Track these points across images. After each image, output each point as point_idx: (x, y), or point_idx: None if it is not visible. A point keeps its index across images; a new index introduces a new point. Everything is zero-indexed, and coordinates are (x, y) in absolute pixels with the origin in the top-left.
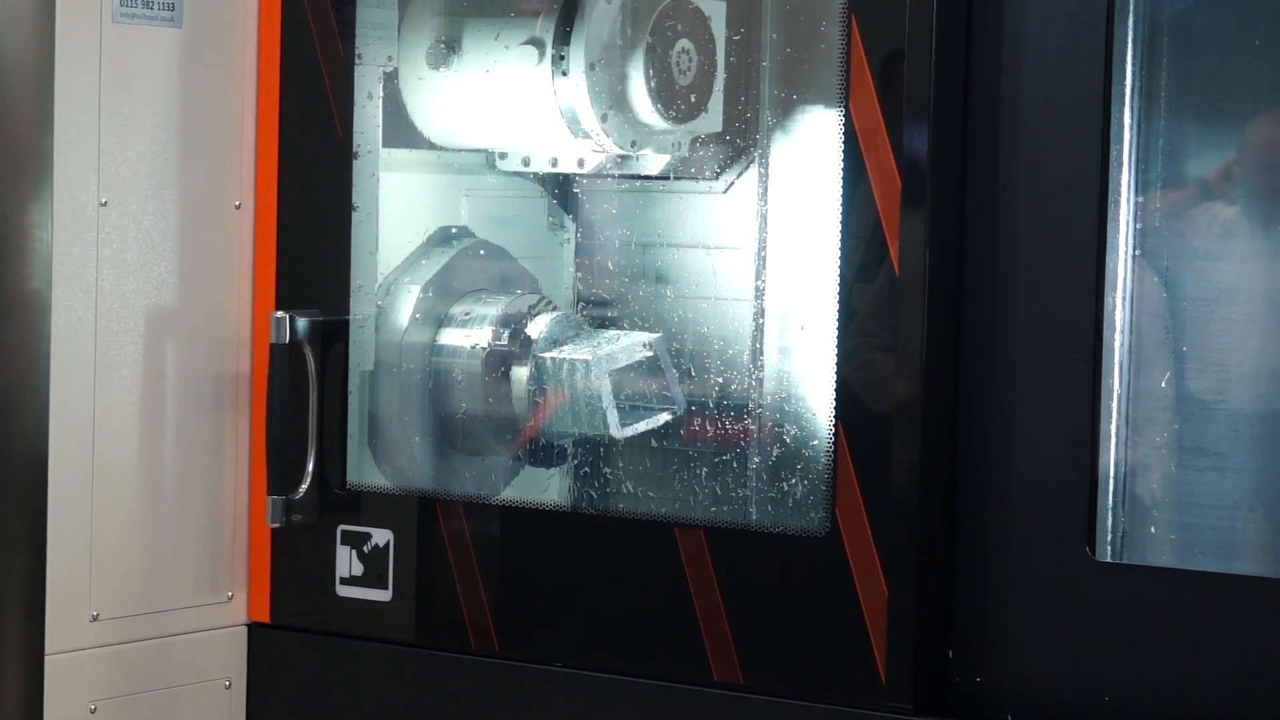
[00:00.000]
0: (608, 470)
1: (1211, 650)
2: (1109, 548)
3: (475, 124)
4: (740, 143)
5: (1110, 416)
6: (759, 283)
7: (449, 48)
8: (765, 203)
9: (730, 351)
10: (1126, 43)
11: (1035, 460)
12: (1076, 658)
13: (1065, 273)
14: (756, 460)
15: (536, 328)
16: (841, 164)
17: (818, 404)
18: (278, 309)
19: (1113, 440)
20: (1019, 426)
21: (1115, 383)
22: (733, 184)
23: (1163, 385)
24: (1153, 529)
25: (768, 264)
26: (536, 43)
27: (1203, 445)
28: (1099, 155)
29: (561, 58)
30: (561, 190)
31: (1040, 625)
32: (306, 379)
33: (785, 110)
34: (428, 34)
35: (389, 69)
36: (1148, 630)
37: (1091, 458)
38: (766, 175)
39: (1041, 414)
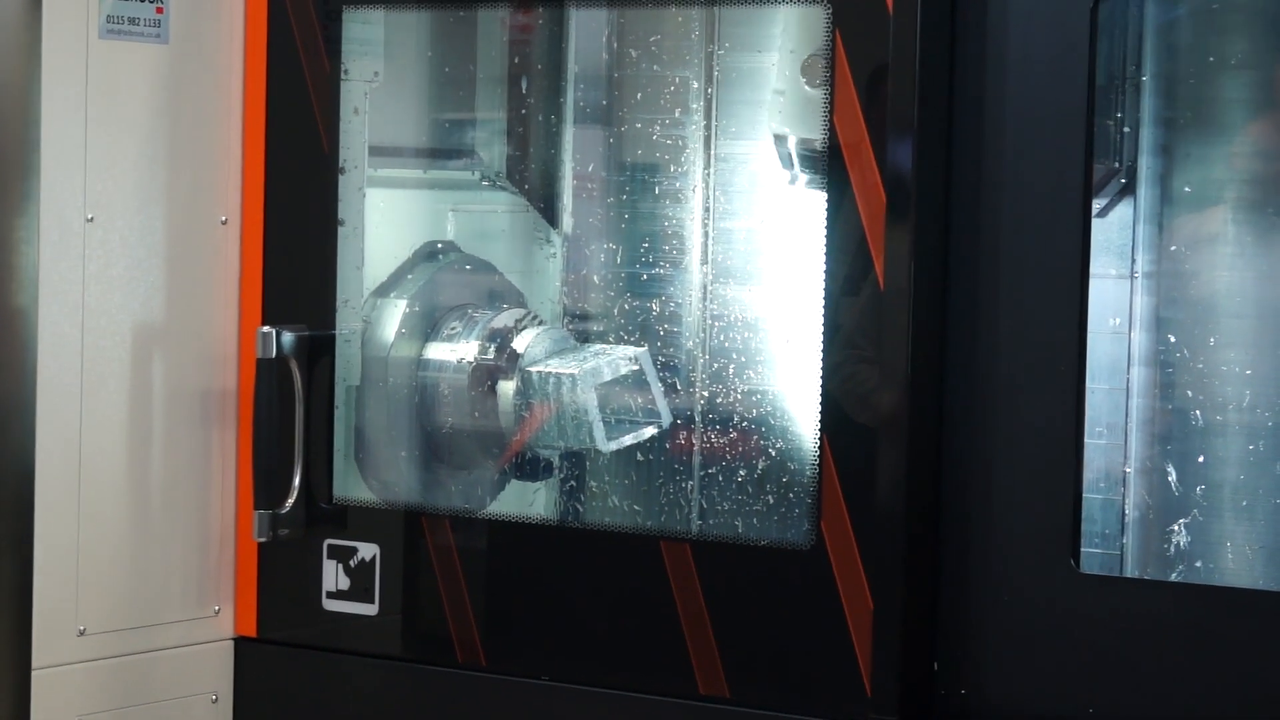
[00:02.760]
0: (594, 484)
1: (1196, 663)
2: None
3: None
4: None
5: None
6: None
7: None
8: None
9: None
10: None
11: (1020, 472)
12: (1061, 670)
13: (1049, 286)
14: (742, 473)
15: (522, 342)
16: (826, 178)
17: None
18: (264, 324)
19: None
20: (1003, 439)
21: None
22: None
23: None
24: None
25: None
26: None
27: None
28: (1083, 169)
29: None
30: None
31: (1025, 637)
32: (293, 394)
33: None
34: None
35: (375, 84)
36: (1132, 643)
37: (1076, 470)
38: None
39: (1026, 427)
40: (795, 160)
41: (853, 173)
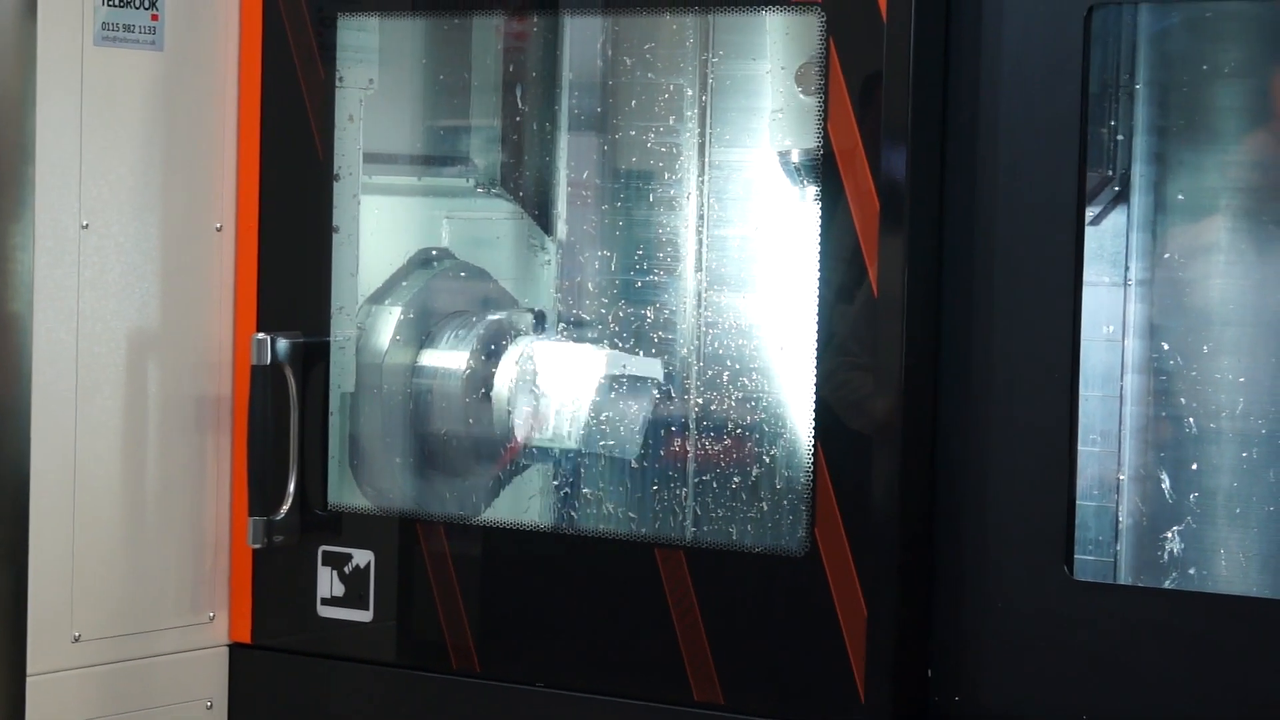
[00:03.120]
0: (588, 491)
1: (1189, 670)
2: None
3: None
4: None
5: None
6: None
7: None
8: None
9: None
10: None
11: (1014, 479)
12: (1055, 677)
13: (1043, 293)
14: (736, 480)
15: (517, 350)
16: (820, 185)
17: (797, 424)
18: (259, 330)
19: None
20: (997, 446)
21: None
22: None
23: None
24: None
25: None
26: None
27: None
28: (1076, 176)
29: None
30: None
31: (1019, 644)
32: (287, 400)
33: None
34: None
35: (370, 91)
36: (1126, 650)
37: (1069, 477)
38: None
39: (1020, 434)
40: (789, 167)
41: (847, 180)
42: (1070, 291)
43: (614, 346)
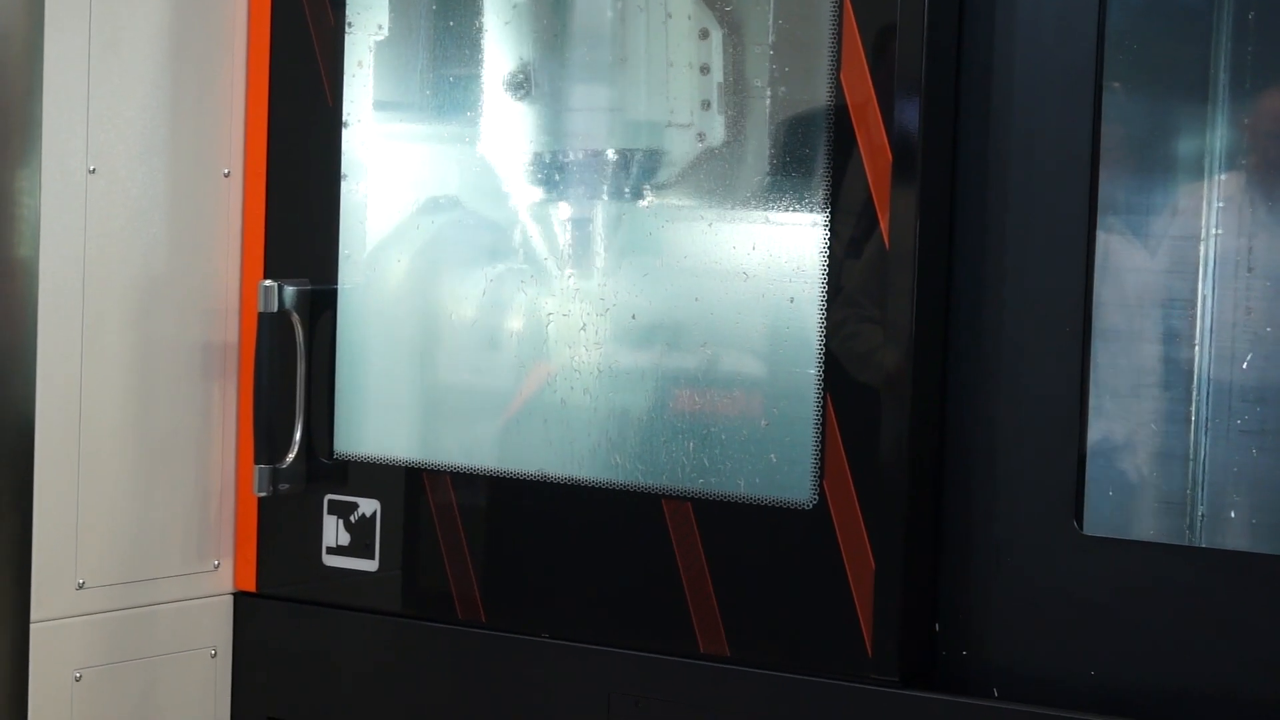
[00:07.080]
0: (596, 440)
1: (1196, 625)
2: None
3: None
4: None
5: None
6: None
7: None
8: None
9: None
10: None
11: (1024, 434)
12: (1062, 632)
13: (1055, 248)
14: (745, 431)
15: (525, 297)
16: (833, 137)
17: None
18: (266, 277)
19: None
20: (1008, 400)
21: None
22: None
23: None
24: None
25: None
26: None
27: None
28: (1090, 130)
29: None
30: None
31: (1027, 599)
32: (294, 348)
33: None
34: None
35: (380, 37)
36: (1134, 605)
37: (1080, 431)
38: None
39: (1030, 388)
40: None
41: (859, 132)
42: (1083, 245)
43: (623, 295)
